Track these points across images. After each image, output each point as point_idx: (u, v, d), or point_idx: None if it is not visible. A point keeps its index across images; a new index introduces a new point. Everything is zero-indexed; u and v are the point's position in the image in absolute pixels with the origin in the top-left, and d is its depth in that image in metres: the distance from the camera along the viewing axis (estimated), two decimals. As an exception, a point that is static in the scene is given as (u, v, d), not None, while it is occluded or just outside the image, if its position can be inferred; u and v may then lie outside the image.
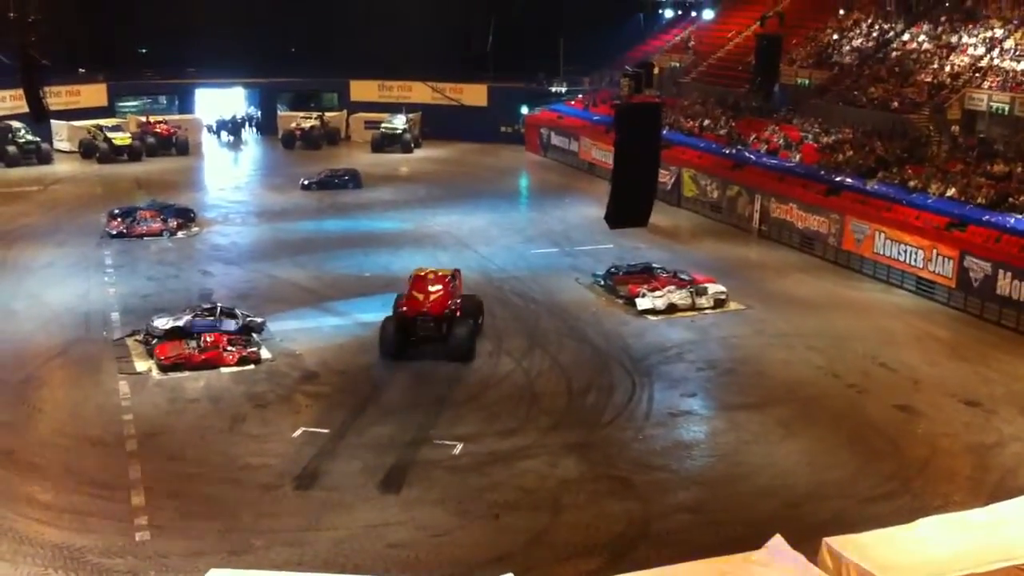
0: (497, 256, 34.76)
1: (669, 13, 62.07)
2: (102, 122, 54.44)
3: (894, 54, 43.57)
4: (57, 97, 47.80)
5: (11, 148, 50.53)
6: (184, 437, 20.84)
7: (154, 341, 25.05)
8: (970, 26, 41.33)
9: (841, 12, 48.97)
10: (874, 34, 45.93)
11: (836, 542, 12.97)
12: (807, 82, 45.75)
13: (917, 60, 41.88)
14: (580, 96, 58.43)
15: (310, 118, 59.51)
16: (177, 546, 16.70)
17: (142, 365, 24.44)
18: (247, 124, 63.96)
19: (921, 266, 31.19)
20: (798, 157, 39.97)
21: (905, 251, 31.77)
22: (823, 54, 46.93)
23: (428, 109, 61.30)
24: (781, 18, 36.25)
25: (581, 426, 21.76)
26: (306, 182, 46.52)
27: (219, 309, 26.25)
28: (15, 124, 50.89)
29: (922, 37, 43.22)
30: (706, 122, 47.11)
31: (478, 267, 32.91)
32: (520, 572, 14.41)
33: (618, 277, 30.85)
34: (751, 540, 13.60)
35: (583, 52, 58.73)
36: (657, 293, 29.25)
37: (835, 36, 47.71)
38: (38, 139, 51.43)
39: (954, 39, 41.42)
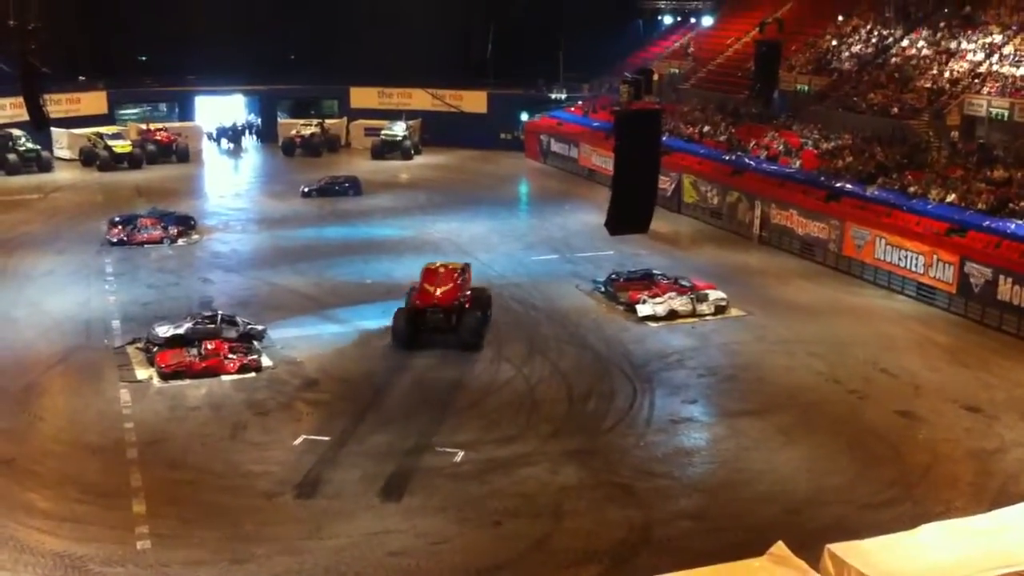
0: (497, 263, 34.76)
1: (668, 19, 62.21)
2: (102, 130, 54.41)
3: (893, 60, 43.61)
4: (57, 105, 47.92)
5: (11, 156, 50.52)
6: (185, 445, 20.83)
7: (155, 349, 25.04)
8: (969, 32, 41.38)
9: (840, 18, 49.02)
10: (873, 40, 45.99)
11: (838, 548, 12.94)
12: (806, 88, 45.80)
13: (916, 66, 41.92)
14: (580, 103, 58.40)
15: (310, 125, 59.55)
16: (178, 555, 16.68)
17: (143, 373, 24.43)
18: (247, 131, 64.02)
19: (921, 272, 31.19)
20: (798, 163, 39.98)
21: (905, 257, 31.78)
22: (822, 60, 46.98)
23: (428, 116, 61.34)
24: (780, 24, 36.18)
25: (582, 433, 21.74)
26: (306, 189, 46.54)
27: (220, 317, 26.24)
28: (15, 132, 50.85)
29: (921, 43, 43.27)
30: (706, 128, 47.14)
31: (478, 274, 32.69)
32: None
33: (618, 283, 30.84)
34: (753, 547, 13.57)
35: (583, 59, 58.81)
36: (658, 299, 29.25)
37: (834, 42, 47.76)
38: (38, 147, 51.39)
39: (953, 45, 41.47)
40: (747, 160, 42.24)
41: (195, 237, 37.95)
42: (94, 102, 58.59)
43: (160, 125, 57.47)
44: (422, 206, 44.75)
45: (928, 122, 38.16)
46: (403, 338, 26.37)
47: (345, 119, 62.44)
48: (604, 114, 49.53)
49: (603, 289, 31.21)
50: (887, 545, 13.25)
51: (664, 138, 33.83)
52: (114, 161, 52.26)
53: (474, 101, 61.94)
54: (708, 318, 29.17)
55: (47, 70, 31.37)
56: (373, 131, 59.01)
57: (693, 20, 60.00)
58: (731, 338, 27.83)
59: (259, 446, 20.89)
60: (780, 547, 13.07)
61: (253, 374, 24.47)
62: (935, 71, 40.63)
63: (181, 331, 25.41)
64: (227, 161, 59.18)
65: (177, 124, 59.51)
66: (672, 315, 28.98)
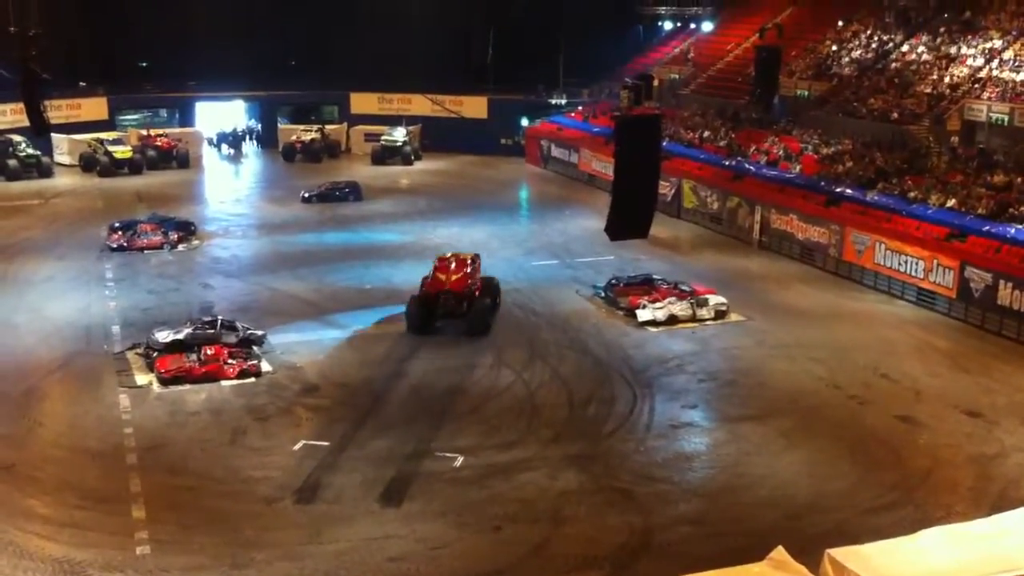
0: (497, 268, 34.59)
1: (668, 25, 62.27)
2: (103, 135, 54.45)
3: (893, 65, 43.64)
4: (58, 111, 47.82)
5: (12, 162, 50.52)
6: (185, 450, 20.81)
7: (155, 354, 25.03)
8: (969, 37, 41.41)
9: (840, 23, 49.07)
10: (873, 45, 46.02)
11: (838, 553, 12.94)
12: (806, 93, 45.81)
13: (916, 71, 41.95)
14: (580, 108, 58.51)
15: (310, 131, 59.55)
16: (178, 560, 16.67)
17: (143, 378, 24.41)
18: (247, 137, 64.01)
19: (922, 277, 31.19)
20: (798, 168, 40.00)
21: (906, 262, 31.77)
22: (822, 65, 47.00)
23: (428, 121, 61.38)
24: (780, 30, 36.41)
25: (582, 438, 21.72)
26: (306, 195, 46.56)
27: (219, 322, 26.24)
28: (16, 138, 50.95)
29: (921, 48, 43.31)
30: (706, 133, 47.16)
31: (478, 279, 32.92)
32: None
33: (619, 289, 30.84)
34: (753, 551, 13.57)
35: (583, 64, 58.89)
36: (658, 304, 29.24)
37: (834, 47, 47.79)
38: (39, 153, 51.43)
39: (953, 50, 41.50)
40: (747, 165, 42.25)
41: (195, 242, 37.96)
42: (94, 108, 58.59)
43: (160, 131, 57.49)
44: (422, 211, 44.77)
45: (928, 127, 38.19)
46: (416, 323, 27.80)
47: (345, 124, 62.49)
48: (604, 119, 49.50)
49: (603, 294, 31.21)
50: (887, 550, 13.26)
51: (664, 143, 33.87)
52: (114, 167, 52.26)
53: (474, 106, 61.99)
54: (708, 323, 29.16)
55: (47, 76, 31.44)
56: (373, 136, 59.05)
57: (693, 26, 60.06)
58: (731, 343, 27.82)
59: (259, 451, 20.87)
60: (780, 552, 13.08)
61: (253, 379, 24.45)
62: (935, 76, 40.65)
63: (181, 336, 25.41)
64: (227, 167, 59.20)
65: (177, 130, 59.55)
66: (672, 320, 28.97)
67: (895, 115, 39.84)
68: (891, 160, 37.06)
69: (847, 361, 26.39)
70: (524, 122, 60.28)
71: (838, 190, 36.72)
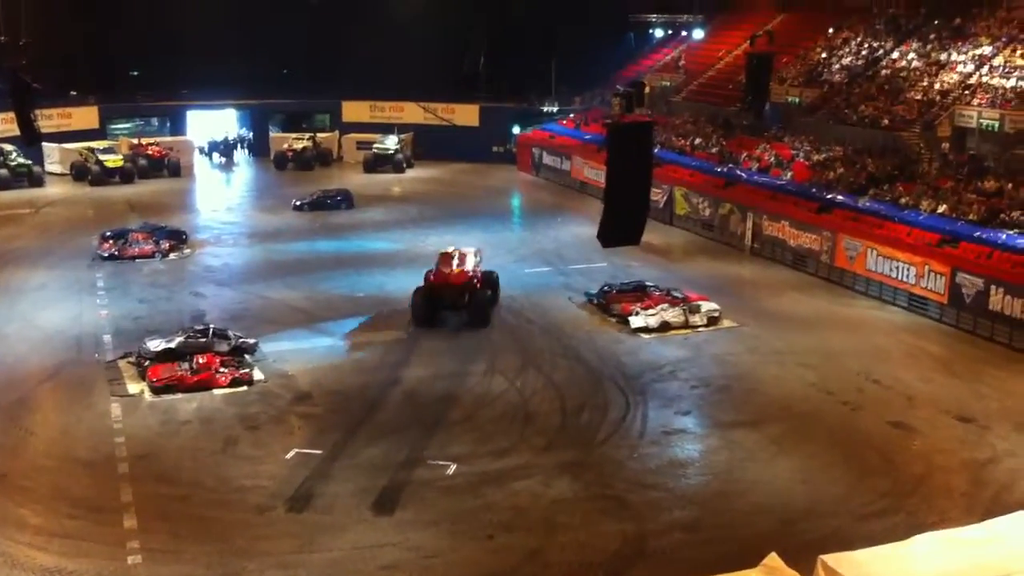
0: (490, 275, 34.74)
1: (659, 32, 62.32)
2: (94, 144, 54.27)
3: (884, 72, 43.77)
4: (48, 120, 47.70)
5: (2, 171, 50.25)
6: (176, 459, 20.73)
7: (146, 363, 24.95)
8: (959, 43, 41.55)
9: (831, 31, 49.22)
10: (864, 52, 46.17)
11: (832, 559, 12.92)
12: (798, 100, 45.93)
13: (907, 78, 42.08)
14: (572, 115, 58.53)
15: (302, 139, 59.50)
16: (169, 570, 16.60)
17: (134, 387, 24.31)
18: (239, 145, 63.97)
19: (913, 283, 31.24)
20: (789, 175, 40.10)
21: (897, 268, 31.85)
22: (813, 72, 47.13)
23: (420, 129, 61.39)
24: (771, 37, 36.44)
25: (575, 445, 21.70)
26: (298, 203, 46.51)
27: (211, 330, 26.16)
28: (6, 147, 50.70)
29: (911, 55, 43.44)
30: (697, 140, 47.25)
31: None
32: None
33: (611, 295, 30.85)
34: (746, 558, 13.55)
35: (574, 72, 58.97)
36: (650, 311, 29.26)
37: (825, 54, 47.94)
38: (29, 162, 51.25)
39: (943, 57, 41.63)
40: (739, 172, 42.34)
41: (187, 251, 37.87)
42: (85, 117, 58.47)
43: (152, 139, 57.38)
44: (414, 219, 44.75)
45: (919, 133, 38.27)
46: (421, 314, 29.08)
47: (337, 133, 62.45)
48: (596, 127, 49.65)
49: (596, 301, 31.20)
50: (881, 556, 13.25)
51: (656, 150, 33.89)
52: (106, 175, 52.15)
53: (466, 114, 62.01)
54: (701, 329, 29.18)
55: (38, 85, 31.38)
56: (365, 145, 59.03)
57: (684, 33, 60.12)
58: (724, 349, 27.83)
59: (251, 460, 20.80)
60: (773, 558, 13.05)
61: (245, 388, 24.37)
62: (925, 83, 40.79)
63: (172, 345, 25.32)
64: (219, 175, 59.16)
65: (169, 138, 59.38)
66: (665, 327, 28.98)
67: (886, 121, 39.95)
68: (882, 166, 37.16)
69: (839, 367, 26.42)
70: (516, 130, 60.28)
71: (829, 196, 36.80)
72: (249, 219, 45.49)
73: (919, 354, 27.90)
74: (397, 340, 28.25)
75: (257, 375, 25.02)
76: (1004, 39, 39.79)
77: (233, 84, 59.83)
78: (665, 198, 43.44)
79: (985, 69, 38.99)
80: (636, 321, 29.05)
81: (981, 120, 36.56)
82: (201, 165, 59.90)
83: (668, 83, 56.51)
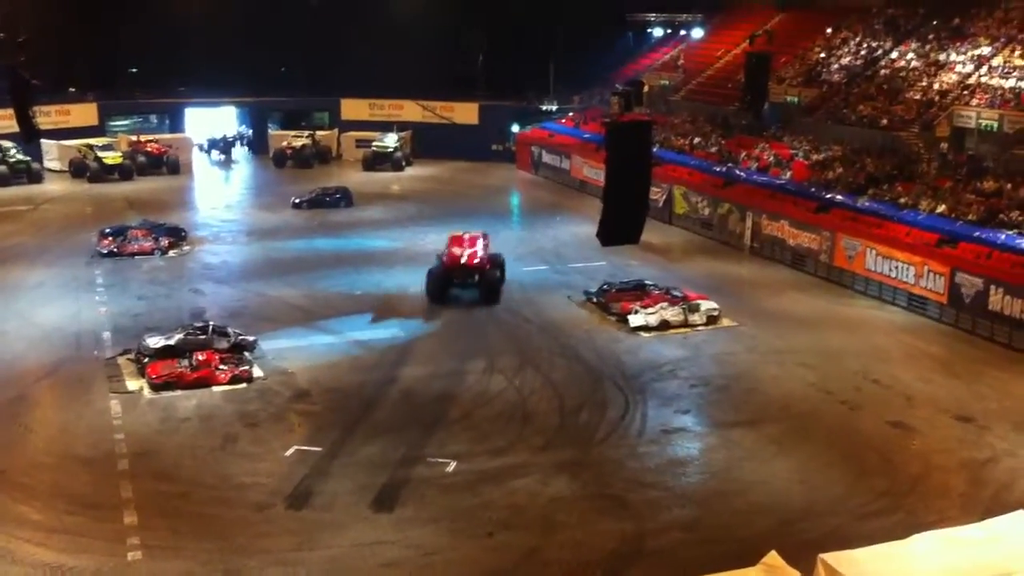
0: (489, 274, 34.74)
1: (658, 32, 62.38)
2: (92, 141, 54.32)
3: (883, 72, 43.81)
4: (47, 116, 47.66)
5: (1, 167, 50.37)
6: (176, 456, 20.73)
7: (145, 360, 24.95)
8: (958, 44, 41.60)
9: (829, 31, 49.26)
10: (862, 52, 46.20)
11: (831, 558, 12.96)
12: (796, 100, 45.96)
13: (906, 78, 42.12)
14: (571, 114, 58.56)
15: (301, 137, 59.45)
16: (169, 566, 16.61)
17: (133, 384, 24.32)
18: (238, 143, 63.92)
19: (912, 282, 31.27)
20: (788, 174, 40.12)
21: (896, 267, 31.87)
22: (812, 72, 47.16)
23: (419, 127, 61.40)
24: (770, 37, 36.40)
25: (574, 444, 21.70)
26: (297, 201, 46.49)
27: (211, 328, 26.16)
28: (5, 143, 50.66)
29: (910, 55, 43.48)
30: (696, 140, 47.27)
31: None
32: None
33: (610, 294, 30.86)
34: (746, 557, 13.59)
35: (573, 71, 59.00)
36: (650, 310, 29.26)
37: (824, 54, 47.97)
38: (28, 158, 51.29)
39: (942, 57, 41.68)
40: (738, 171, 42.36)
41: (186, 248, 37.86)
42: (84, 114, 58.44)
43: (151, 137, 57.39)
44: (413, 217, 44.73)
45: (918, 134, 38.32)
46: (435, 293, 31.23)
47: (336, 131, 62.43)
48: (595, 126, 49.65)
49: (595, 300, 31.20)
50: (880, 555, 13.29)
51: (655, 149, 33.92)
52: (104, 172, 52.18)
53: (465, 113, 62.00)
54: (700, 328, 29.18)
55: (37, 82, 31.33)
56: (364, 143, 59.00)
57: (683, 32, 60.20)
58: (723, 349, 27.84)
59: (250, 457, 20.81)
60: (773, 557, 13.09)
61: (244, 385, 24.39)
62: (924, 83, 40.83)
63: (172, 342, 25.32)
64: (218, 173, 59.10)
65: (168, 136, 59.42)
66: (664, 326, 28.99)
67: (885, 121, 39.99)
68: (881, 166, 37.19)
69: (838, 366, 26.43)
70: (515, 128, 60.30)
71: (828, 196, 36.82)
72: (248, 217, 45.47)
73: (918, 354, 27.91)
74: (395, 337, 28.27)
75: (256, 372, 25.03)
76: (1003, 39, 39.83)
77: (232, 81, 59.79)
78: (664, 197, 43.45)
79: (984, 69, 39.04)
80: (635, 320, 29.05)
81: (980, 120, 36.62)
82: (200, 162, 59.83)
83: (667, 82, 56.53)
